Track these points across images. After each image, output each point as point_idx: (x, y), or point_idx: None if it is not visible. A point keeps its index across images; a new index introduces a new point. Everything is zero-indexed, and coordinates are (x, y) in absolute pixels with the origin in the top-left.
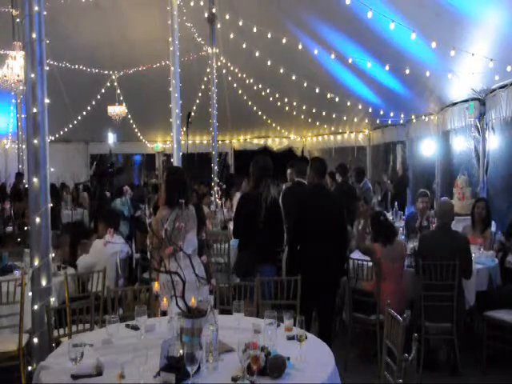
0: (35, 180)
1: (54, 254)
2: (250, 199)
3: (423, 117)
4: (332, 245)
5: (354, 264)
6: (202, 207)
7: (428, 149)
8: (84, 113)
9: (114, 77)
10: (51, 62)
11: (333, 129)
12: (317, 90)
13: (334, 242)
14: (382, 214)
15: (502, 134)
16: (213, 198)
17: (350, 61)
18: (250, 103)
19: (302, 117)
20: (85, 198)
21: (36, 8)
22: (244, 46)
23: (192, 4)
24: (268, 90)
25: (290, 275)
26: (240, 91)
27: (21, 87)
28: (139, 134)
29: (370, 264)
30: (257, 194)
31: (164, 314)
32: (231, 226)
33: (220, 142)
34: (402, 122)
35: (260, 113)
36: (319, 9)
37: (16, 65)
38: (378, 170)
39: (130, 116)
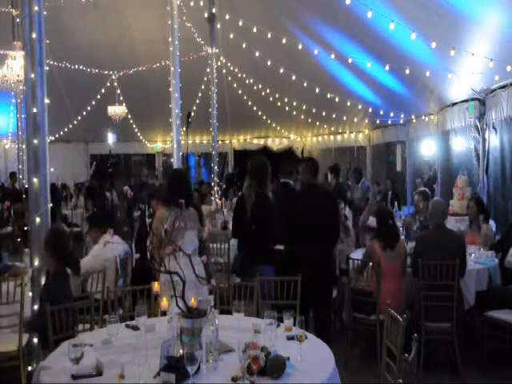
0: (35, 180)
1: None
2: (244, 200)
3: (423, 117)
4: (325, 244)
5: (353, 264)
6: (201, 209)
7: (428, 149)
8: (84, 113)
9: (113, 77)
10: (51, 62)
11: (333, 129)
12: (317, 90)
13: (327, 241)
14: (390, 216)
15: (502, 133)
16: (213, 198)
17: (349, 61)
18: (249, 103)
19: (302, 117)
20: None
21: (36, 8)
22: (244, 45)
23: (192, 4)
24: (268, 90)
25: (286, 274)
26: (240, 91)
27: (21, 87)
28: (139, 134)
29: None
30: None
31: (164, 314)
32: (231, 225)
33: (220, 141)
34: (401, 122)
35: (260, 113)
36: (319, 9)
37: (16, 65)
38: (378, 170)
39: (129, 116)
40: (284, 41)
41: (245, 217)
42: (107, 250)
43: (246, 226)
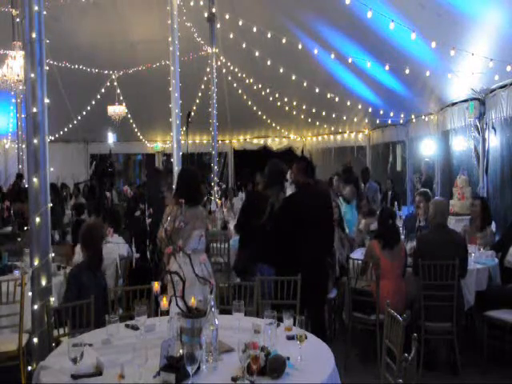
0: (35, 180)
1: (53, 254)
2: (258, 198)
3: (423, 117)
4: (320, 243)
5: (353, 264)
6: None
7: (428, 149)
8: (84, 113)
9: (113, 77)
10: (51, 62)
11: (333, 129)
12: (317, 90)
13: (323, 240)
14: (391, 217)
15: (502, 133)
16: (213, 198)
17: (349, 61)
18: (249, 103)
19: (302, 117)
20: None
21: (36, 8)
22: (244, 45)
23: (192, 4)
24: (268, 90)
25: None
26: (240, 91)
27: (21, 87)
28: (139, 134)
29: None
30: (265, 195)
31: (163, 313)
32: (231, 225)
33: (220, 141)
34: (401, 121)
35: (260, 113)
36: (319, 9)
37: (16, 65)
38: (378, 170)
39: (129, 116)
40: (284, 41)
41: (255, 215)
42: (107, 249)
43: (257, 225)
